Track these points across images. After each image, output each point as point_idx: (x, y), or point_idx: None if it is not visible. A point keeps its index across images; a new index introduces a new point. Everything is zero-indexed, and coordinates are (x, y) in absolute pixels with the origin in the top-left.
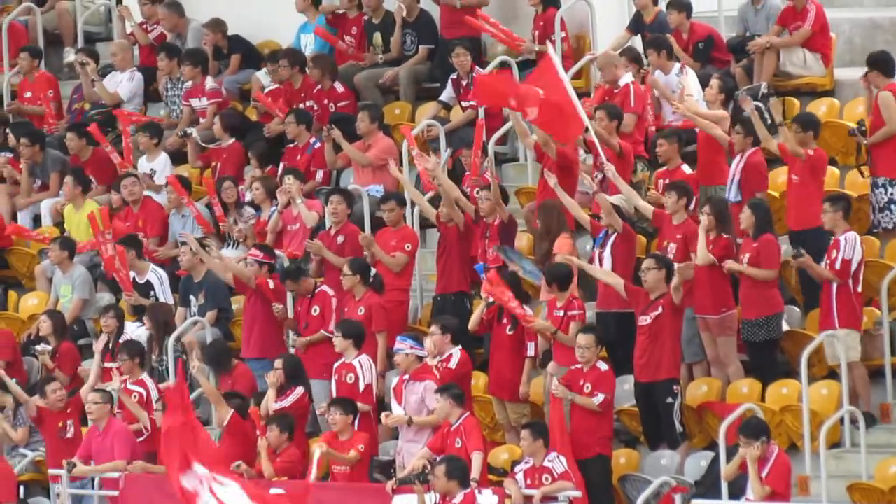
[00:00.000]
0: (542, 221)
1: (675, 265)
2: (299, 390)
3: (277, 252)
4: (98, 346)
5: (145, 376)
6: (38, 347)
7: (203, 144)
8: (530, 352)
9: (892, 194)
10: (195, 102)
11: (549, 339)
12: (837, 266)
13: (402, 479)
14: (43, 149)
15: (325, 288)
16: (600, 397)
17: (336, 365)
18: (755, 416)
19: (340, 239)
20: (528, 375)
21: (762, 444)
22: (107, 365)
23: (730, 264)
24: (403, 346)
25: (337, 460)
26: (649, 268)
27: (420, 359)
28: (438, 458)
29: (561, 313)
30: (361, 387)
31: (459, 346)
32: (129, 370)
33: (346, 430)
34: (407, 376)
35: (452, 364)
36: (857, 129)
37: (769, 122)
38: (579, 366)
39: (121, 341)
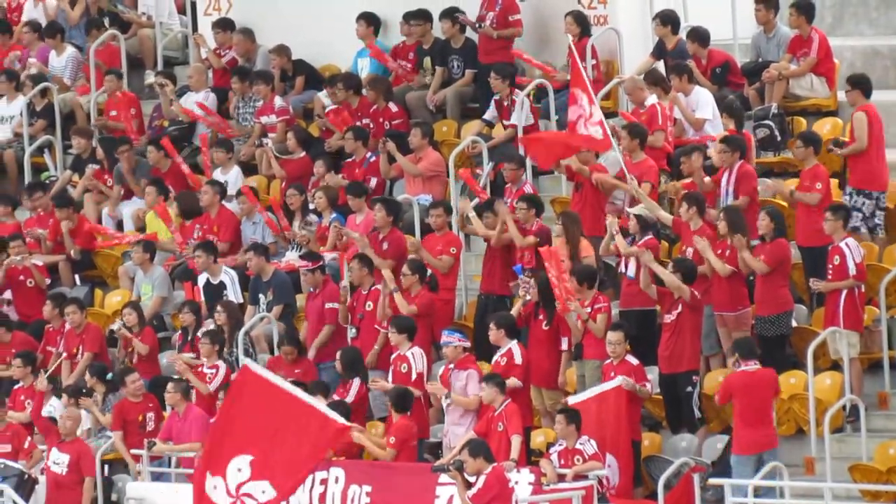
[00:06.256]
0: (564, 229)
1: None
2: (356, 383)
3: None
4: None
5: (220, 361)
6: (114, 325)
7: (277, 155)
8: (564, 345)
9: (855, 202)
10: (264, 119)
11: (580, 326)
12: (853, 272)
13: (436, 467)
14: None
15: (379, 286)
16: (648, 387)
17: (392, 356)
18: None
19: (385, 245)
20: (565, 366)
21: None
22: (186, 356)
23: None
24: (451, 339)
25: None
26: (669, 271)
27: (465, 349)
28: (461, 445)
29: (588, 309)
30: (414, 375)
31: (516, 341)
32: (209, 354)
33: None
34: (452, 365)
35: (518, 360)
36: (832, 145)
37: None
38: (609, 360)
39: (199, 334)
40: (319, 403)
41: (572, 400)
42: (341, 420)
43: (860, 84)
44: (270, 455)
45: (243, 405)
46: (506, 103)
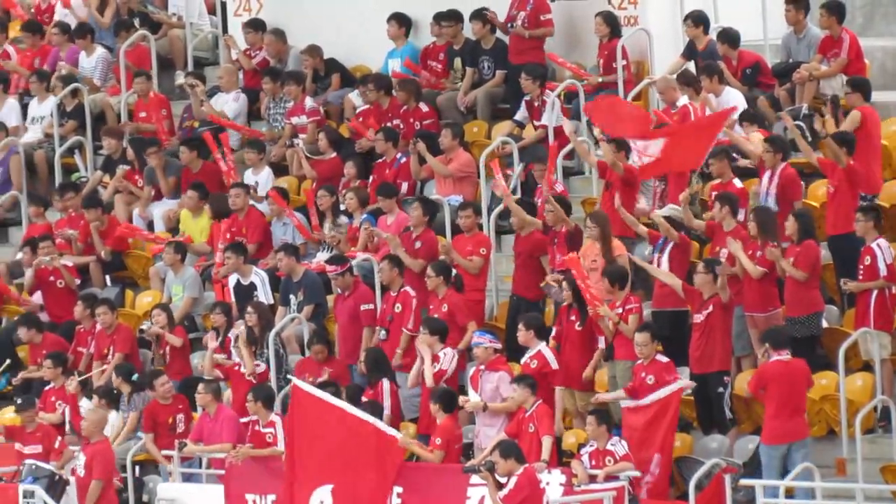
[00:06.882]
0: (596, 229)
1: (717, 267)
2: (386, 384)
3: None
4: (210, 343)
5: (259, 360)
6: (143, 326)
7: (308, 155)
8: (601, 344)
9: None
10: (295, 120)
11: (612, 328)
12: (884, 273)
13: (467, 467)
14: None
15: (407, 288)
16: (690, 384)
17: None
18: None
19: (418, 244)
20: (596, 365)
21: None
22: (218, 357)
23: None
24: (482, 340)
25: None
26: (698, 272)
27: (496, 351)
28: (492, 446)
29: (619, 310)
30: (436, 368)
31: (545, 342)
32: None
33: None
34: (483, 367)
35: (553, 365)
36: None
37: (810, 139)
38: (640, 360)
39: (230, 335)
40: (370, 416)
41: (624, 404)
42: (391, 431)
43: (860, 87)
44: (351, 482)
45: (309, 429)
46: (536, 104)
